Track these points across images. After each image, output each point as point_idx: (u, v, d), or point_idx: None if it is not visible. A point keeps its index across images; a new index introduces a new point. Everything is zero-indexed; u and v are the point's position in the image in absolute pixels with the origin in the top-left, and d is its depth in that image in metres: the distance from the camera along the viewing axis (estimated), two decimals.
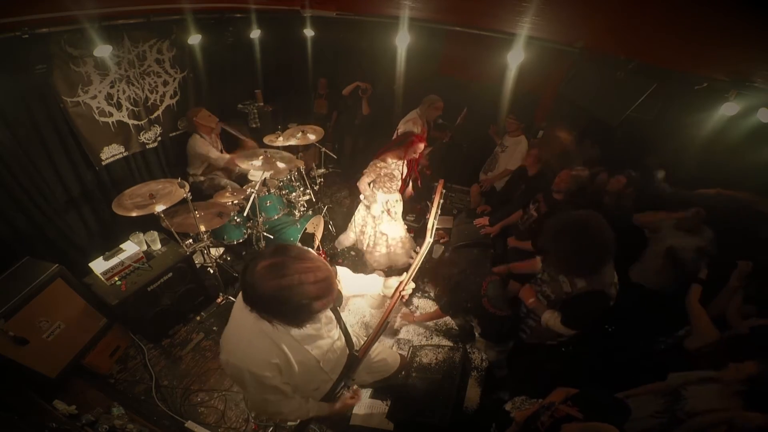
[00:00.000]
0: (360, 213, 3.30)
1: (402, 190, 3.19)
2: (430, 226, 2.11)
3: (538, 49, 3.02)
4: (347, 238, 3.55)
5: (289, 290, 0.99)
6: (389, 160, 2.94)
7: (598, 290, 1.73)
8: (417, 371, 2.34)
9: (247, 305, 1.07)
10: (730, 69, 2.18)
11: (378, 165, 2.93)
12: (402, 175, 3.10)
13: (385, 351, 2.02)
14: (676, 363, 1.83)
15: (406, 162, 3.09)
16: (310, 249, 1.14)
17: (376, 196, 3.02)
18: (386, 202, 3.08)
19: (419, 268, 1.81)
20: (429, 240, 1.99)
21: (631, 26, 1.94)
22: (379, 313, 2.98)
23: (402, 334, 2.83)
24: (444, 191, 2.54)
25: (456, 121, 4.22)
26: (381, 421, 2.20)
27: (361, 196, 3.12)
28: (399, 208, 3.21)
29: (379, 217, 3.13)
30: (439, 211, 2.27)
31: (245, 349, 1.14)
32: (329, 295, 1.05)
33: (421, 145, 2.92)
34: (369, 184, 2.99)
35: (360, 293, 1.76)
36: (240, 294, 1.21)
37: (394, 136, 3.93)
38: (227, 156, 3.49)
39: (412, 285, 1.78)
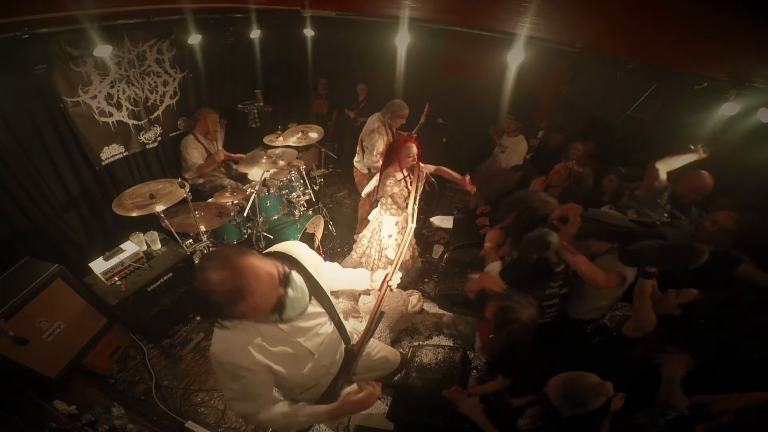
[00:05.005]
0: (367, 230, 3.02)
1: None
2: (410, 210, 2.08)
3: (538, 49, 3.02)
4: (350, 260, 3.27)
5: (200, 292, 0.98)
6: (395, 175, 2.66)
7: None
8: (417, 371, 2.34)
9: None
10: (730, 69, 2.18)
11: (387, 183, 2.65)
12: (408, 187, 2.74)
13: (385, 348, 2.03)
14: (615, 350, 1.89)
15: (409, 173, 2.73)
16: (246, 250, 1.09)
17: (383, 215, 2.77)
18: (396, 224, 2.83)
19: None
20: (411, 225, 1.96)
21: (631, 26, 1.94)
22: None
23: (403, 335, 2.83)
24: (425, 173, 2.49)
25: (419, 119, 3.99)
26: (381, 421, 2.20)
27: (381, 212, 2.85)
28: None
29: (387, 242, 2.89)
30: (418, 195, 2.23)
31: (228, 341, 1.15)
32: (242, 302, 1.00)
33: (413, 146, 2.62)
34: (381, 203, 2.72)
35: (348, 287, 1.75)
36: None
37: (359, 146, 3.68)
38: (199, 163, 3.44)
39: (400, 275, 1.77)
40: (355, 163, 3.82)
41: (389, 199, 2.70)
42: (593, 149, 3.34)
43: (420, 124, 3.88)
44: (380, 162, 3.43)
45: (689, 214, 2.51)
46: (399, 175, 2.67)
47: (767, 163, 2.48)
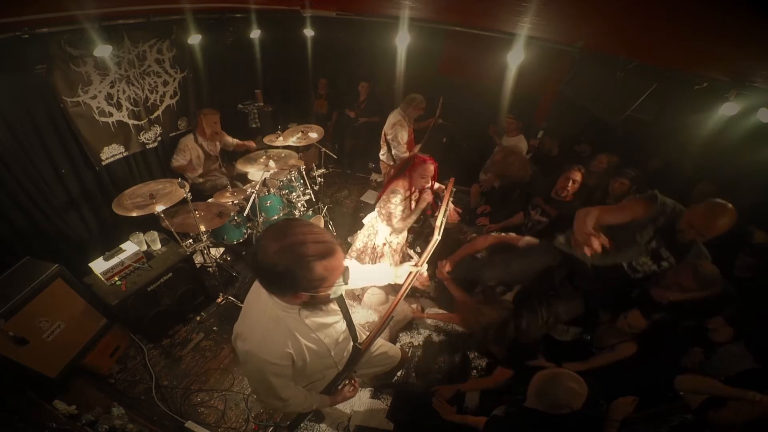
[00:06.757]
0: (361, 235, 2.95)
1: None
2: (438, 223, 2.08)
3: (538, 49, 3.02)
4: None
5: (290, 248, 0.99)
6: (403, 192, 2.53)
7: None
8: (417, 371, 2.35)
9: (258, 278, 1.11)
10: (730, 69, 2.18)
11: (391, 200, 2.51)
12: (412, 204, 2.63)
13: (386, 344, 2.02)
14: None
15: (418, 191, 2.62)
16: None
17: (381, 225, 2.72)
18: (389, 233, 2.78)
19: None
20: (437, 237, 1.97)
21: (631, 26, 1.94)
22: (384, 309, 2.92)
23: (403, 335, 2.83)
24: (454, 189, 2.48)
25: (436, 113, 4.03)
26: (381, 421, 2.20)
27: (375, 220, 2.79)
28: (400, 238, 2.87)
29: (380, 249, 2.81)
30: (448, 210, 2.23)
31: (261, 337, 1.15)
32: (332, 258, 1.04)
33: (431, 167, 2.48)
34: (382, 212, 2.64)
35: (370, 284, 1.74)
36: (255, 281, 1.22)
37: (382, 141, 3.84)
38: (183, 164, 3.42)
39: (426, 267, 1.75)
40: (381, 156, 4.00)
41: (387, 218, 2.56)
42: (617, 162, 3.30)
43: (437, 118, 4.03)
44: (407, 152, 3.64)
45: (685, 254, 1.84)
46: (406, 193, 2.55)
47: (767, 162, 2.48)
